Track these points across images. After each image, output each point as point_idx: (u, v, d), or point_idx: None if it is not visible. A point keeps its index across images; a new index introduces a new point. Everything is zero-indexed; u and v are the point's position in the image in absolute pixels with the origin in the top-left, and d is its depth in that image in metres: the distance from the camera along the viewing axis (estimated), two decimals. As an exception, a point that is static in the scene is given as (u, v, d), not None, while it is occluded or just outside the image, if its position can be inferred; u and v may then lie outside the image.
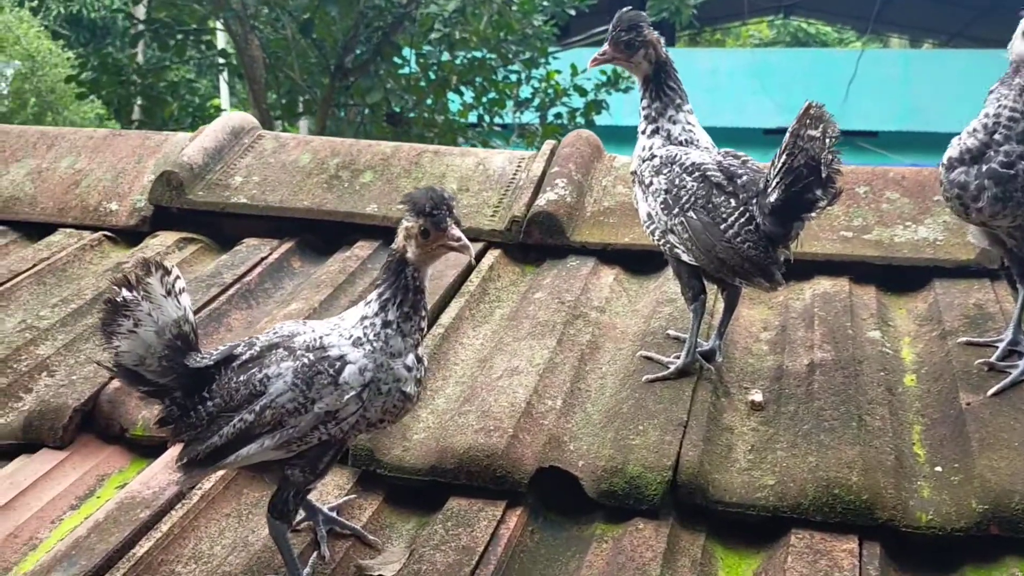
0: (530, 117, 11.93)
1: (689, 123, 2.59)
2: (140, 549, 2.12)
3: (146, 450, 2.56)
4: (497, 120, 11.85)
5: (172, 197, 3.55)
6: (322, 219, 3.46)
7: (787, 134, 2.30)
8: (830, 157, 2.25)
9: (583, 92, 11.62)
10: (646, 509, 2.18)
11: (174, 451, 2.50)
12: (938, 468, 2.18)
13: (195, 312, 2.93)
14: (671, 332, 2.75)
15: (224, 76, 13.43)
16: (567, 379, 2.59)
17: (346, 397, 1.95)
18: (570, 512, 2.29)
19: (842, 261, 2.99)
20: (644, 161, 2.58)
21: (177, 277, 1.97)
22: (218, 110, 12.71)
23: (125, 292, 1.92)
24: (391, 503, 2.35)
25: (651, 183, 2.55)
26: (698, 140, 2.58)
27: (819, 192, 2.29)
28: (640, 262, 3.20)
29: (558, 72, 11.82)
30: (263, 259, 3.31)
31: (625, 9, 2.59)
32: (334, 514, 2.20)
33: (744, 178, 2.45)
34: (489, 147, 11.08)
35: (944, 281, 2.88)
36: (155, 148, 3.85)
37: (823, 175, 2.27)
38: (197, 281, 3.16)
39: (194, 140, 3.75)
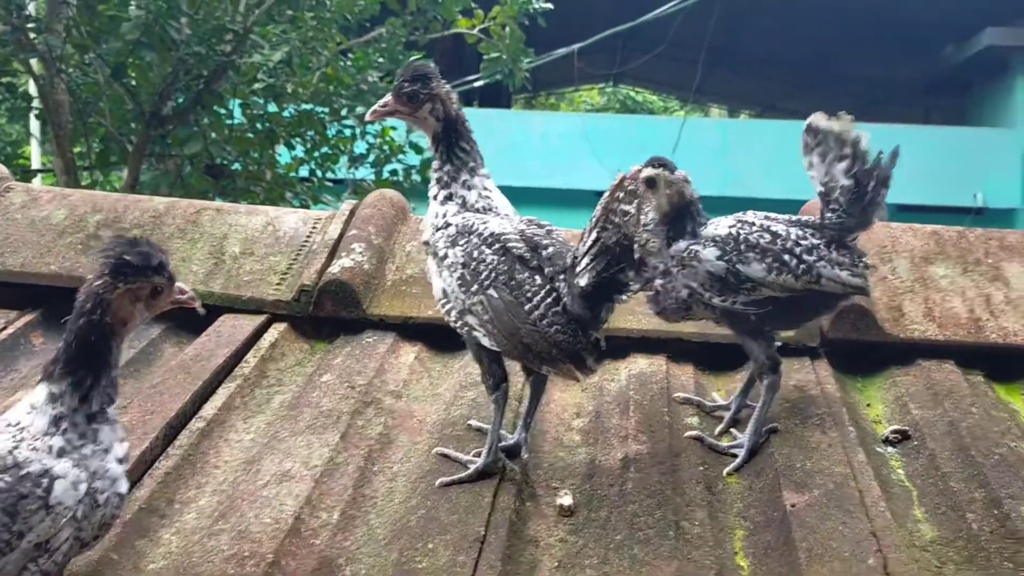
0: (365, 173, 11.56)
1: (486, 188, 2.29)
2: None
3: None
4: (330, 175, 11.42)
5: None
6: (74, 287, 2.91)
7: (598, 207, 2.03)
8: (644, 237, 1.98)
9: (419, 149, 11.35)
10: (430, 651, 1.80)
11: None
12: (763, 584, 1.92)
13: None
14: (473, 423, 2.41)
15: (32, 119, 12.37)
16: (349, 484, 2.19)
17: (62, 521, 1.57)
18: (341, 656, 1.88)
19: (659, 338, 2.76)
20: (438, 230, 2.25)
21: None
22: (28, 159, 11.66)
23: None
24: (112, 656, 1.86)
25: (446, 255, 2.21)
26: (496, 207, 2.28)
27: (631, 274, 2.03)
28: (445, 338, 2.83)
29: (393, 128, 11.53)
30: (-7, 335, 2.75)
31: (415, 58, 2.28)
32: None
33: (550, 250, 2.16)
34: (320, 203, 10.63)
35: (766, 360, 2.67)
36: None
37: (636, 256, 2.00)
38: (-100, 365, 2.56)
39: (-78, 191, 3.14)
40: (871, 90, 18.14)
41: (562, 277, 2.12)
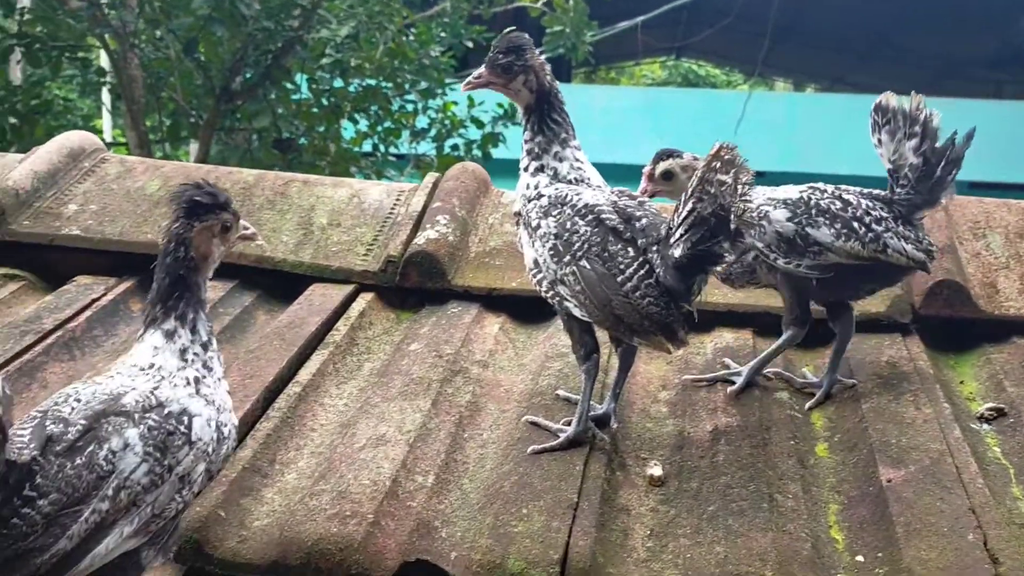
0: (426, 148, 11.63)
1: (578, 159, 2.30)
2: None
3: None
4: (392, 150, 11.52)
5: (-8, 227, 3.05)
6: (169, 256, 3.01)
7: (693, 178, 2.02)
8: (741, 207, 1.97)
9: (480, 124, 11.40)
10: (529, 612, 1.84)
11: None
12: (859, 558, 1.91)
13: (2, 366, 2.48)
14: (561, 392, 2.43)
15: (104, 96, 12.68)
16: (442, 449, 2.23)
17: (200, 455, 1.73)
18: (439, 614, 1.93)
19: (745, 312, 2.74)
20: (530, 201, 2.27)
21: None
22: (100, 132, 11.97)
23: None
24: (223, 607, 1.93)
25: (539, 226, 2.23)
26: (589, 179, 2.29)
27: (726, 245, 2.02)
28: (529, 309, 2.87)
29: (455, 103, 11.57)
30: (94, 301, 2.84)
31: (509, 29, 2.29)
32: None
33: (643, 221, 2.17)
34: (384, 177, 10.74)
35: (856, 335, 2.65)
36: (-22, 170, 3.33)
37: (732, 227, 1.99)
38: (10, 327, 2.67)
39: (24, 162, 3.25)
40: (940, 64, 17.61)
41: (655, 249, 2.12)
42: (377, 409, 2.37)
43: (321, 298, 2.85)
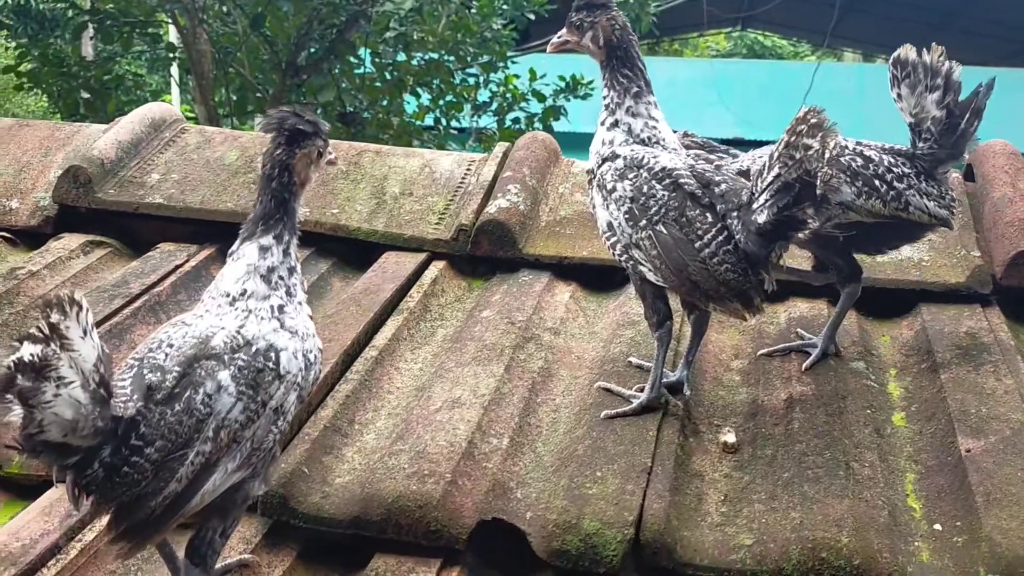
0: (487, 121, 11.64)
1: (653, 117, 2.29)
2: (0, 617, 1.76)
3: (23, 491, 2.19)
4: (454, 124, 11.55)
5: (79, 195, 3.17)
6: (247, 224, 3.09)
7: (779, 142, 2.00)
8: (828, 173, 1.95)
9: (541, 98, 11.36)
10: (604, 573, 1.87)
11: (54, 493, 2.13)
12: (937, 526, 1.90)
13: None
14: (633, 359, 2.45)
15: (173, 71, 12.95)
16: (515, 413, 2.27)
17: (290, 386, 1.78)
18: (515, 573, 1.97)
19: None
20: (604, 161, 2.27)
21: (87, 309, 1.57)
22: (167, 106, 12.18)
23: (38, 348, 1.48)
24: (306, 560, 2.00)
25: (614, 189, 2.23)
26: (664, 139, 2.28)
27: (811, 212, 2.00)
28: (599, 278, 2.89)
29: (516, 77, 11.55)
30: (178, 267, 2.94)
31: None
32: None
33: (722, 187, 2.16)
34: (444, 150, 10.77)
35: (932, 306, 2.61)
36: (65, 140, 3.46)
37: (818, 193, 1.97)
38: (99, 291, 2.78)
39: (108, 132, 3.36)
40: (1015, 34, 16.95)
41: (735, 214, 2.11)
42: (451, 373, 2.42)
43: (395, 265, 2.91)
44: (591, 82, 11.28)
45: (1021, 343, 2.49)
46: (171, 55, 11.44)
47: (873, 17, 18.57)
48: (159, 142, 3.40)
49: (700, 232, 2.12)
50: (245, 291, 1.84)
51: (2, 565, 1.91)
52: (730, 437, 2.19)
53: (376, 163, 3.29)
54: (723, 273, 2.10)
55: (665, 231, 2.15)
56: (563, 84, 11.39)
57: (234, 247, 1.92)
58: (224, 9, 10.66)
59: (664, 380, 2.28)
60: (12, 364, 1.48)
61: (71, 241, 3.09)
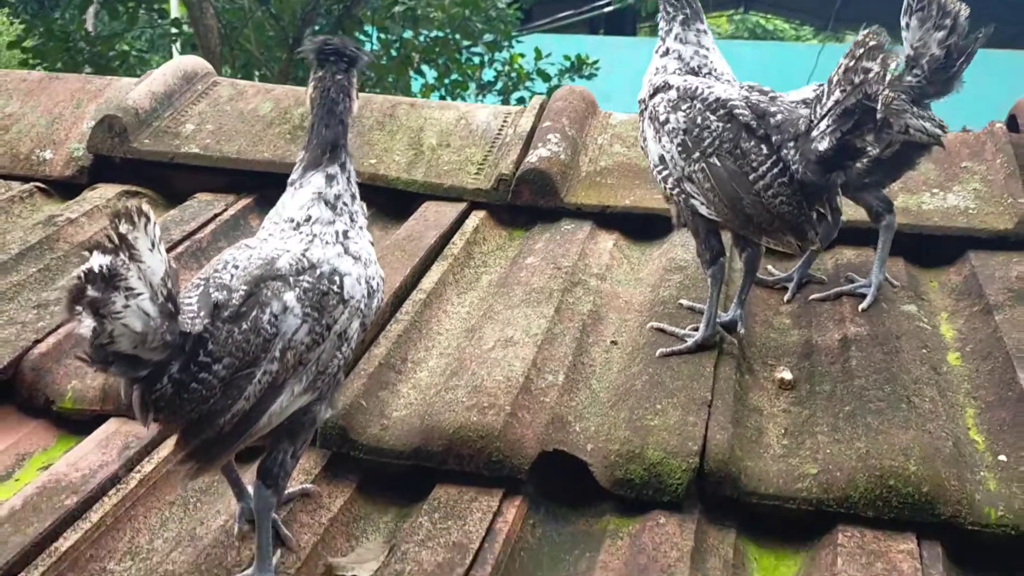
0: (493, 101, 11.60)
1: (703, 45, 2.29)
2: (65, 542, 1.76)
3: (76, 426, 2.18)
4: (460, 102, 11.52)
5: (114, 145, 3.15)
6: (285, 173, 3.05)
7: (838, 68, 1.99)
8: (890, 96, 1.94)
9: (547, 77, 11.32)
10: (668, 501, 1.87)
11: (110, 426, 2.13)
12: (1002, 457, 1.90)
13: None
14: (684, 302, 2.44)
15: (177, 47, 12.88)
16: (568, 352, 2.26)
17: (355, 312, 1.78)
18: (576, 503, 1.97)
19: (867, 229, 2.70)
20: (657, 91, 2.26)
21: (155, 221, 1.55)
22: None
23: (108, 258, 1.46)
24: (366, 491, 2.00)
25: (667, 120, 2.22)
26: (715, 68, 2.28)
27: (871, 138, 1.98)
28: (642, 227, 2.88)
29: (522, 56, 11.50)
30: (217, 216, 2.93)
31: None
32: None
33: (778, 118, 2.14)
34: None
35: (980, 252, 2.61)
36: (97, 92, 3.43)
37: (879, 117, 1.96)
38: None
39: (140, 84, 3.34)
40: (1021, 16, 16.91)
41: (792, 145, 2.10)
42: (501, 316, 2.41)
43: (435, 214, 2.89)
44: (596, 62, 11.26)
45: (1072, 287, 2.49)
46: (177, 31, 11.39)
47: (876, 1, 18.54)
48: (192, 94, 3.38)
49: (755, 164, 2.11)
50: (310, 217, 1.82)
51: (64, 493, 1.90)
52: (786, 375, 2.18)
53: (411, 115, 3.27)
54: (778, 206, 2.09)
55: (719, 163, 2.14)
56: (568, 64, 11.36)
57: (295, 176, 1.90)
58: (231, -16, 10.60)
59: (718, 320, 2.28)
60: (82, 274, 1.46)
61: (107, 191, 3.07)
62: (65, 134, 3.28)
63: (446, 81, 11.33)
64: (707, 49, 2.29)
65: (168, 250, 2.68)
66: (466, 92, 11.42)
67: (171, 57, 14.67)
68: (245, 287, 1.67)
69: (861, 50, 1.95)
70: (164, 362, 1.56)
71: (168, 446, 2.04)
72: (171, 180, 3.17)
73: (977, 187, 2.76)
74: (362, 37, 10.71)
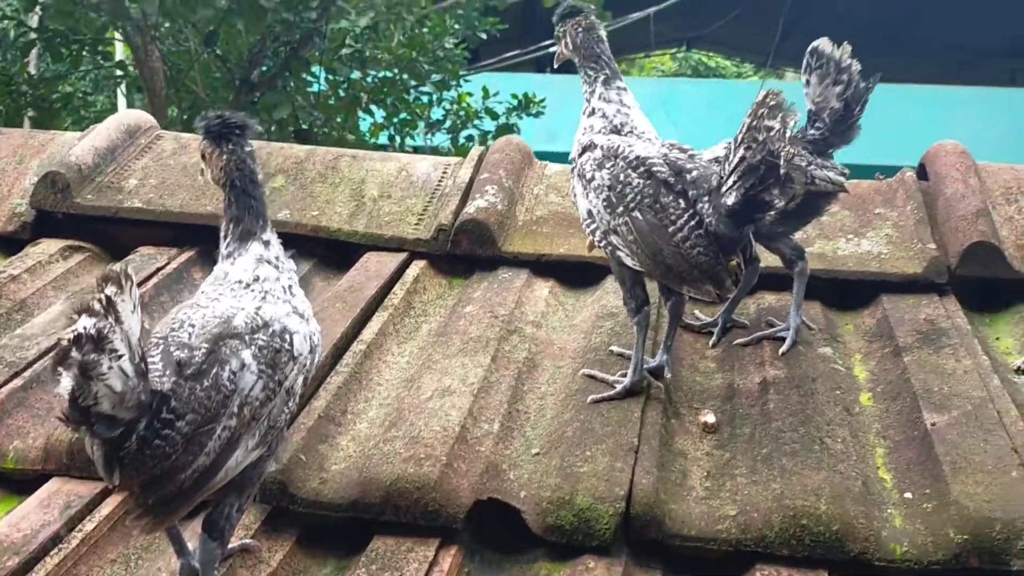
0: (441, 139, 11.74)
1: (624, 103, 2.45)
2: (5, 604, 1.78)
3: (17, 486, 2.21)
4: (408, 141, 11.62)
5: (57, 201, 3.18)
6: (228, 227, 3.13)
7: (742, 127, 2.13)
8: (791, 152, 2.08)
9: (495, 115, 11.49)
10: (596, 545, 1.96)
11: (52, 486, 2.16)
12: (908, 495, 2.03)
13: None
14: (614, 348, 2.55)
15: (122, 89, 12.81)
16: (504, 400, 2.35)
17: (301, 366, 1.87)
18: (510, 550, 2.05)
19: (786, 275, 2.84)
20: (584, 150, 2.40)
21: (135, 283, 1.62)
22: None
23: (96, 322, 1.52)
24: (305, 545, 2.06)
25: (592, 178, 2.35)
26: (636, 127, 2.42)
27: (776, 192, 2.12)
28: (576, 274, 2.99)
29: (470, 95, 11.67)
30: (159, 269, 2.97)
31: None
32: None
33: (694, 173, 2.28)
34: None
35: (892, 296, 2.76)
36: (39, 148, 3.46)
37: (782, 173, 2.09)
38: (81, 294, 2.80)
39: (83, 139, 3.38)
40: (955, 53, 17.61)
41: (706, 199, 2.23)
42: (439, 365, 2.49)
43: (377, 265, 2.97)
44: (543, 100, 11.45)
45: (976, 329, 2.65)
46: (121, 73, 11.34)
47: (814, 38, 19.14)
48: (135, 148, 3.42)
49: (673, 218, 2.23)
50: (259, 276, 1.92)
51: (5, 555, 1.93)
52: (710, 418, 2.29)
53: (353, 167, 3.36)
54: (695, 256, 2.21)
55: (641, 217, 2.26)
56: (516, 102, 11.54)
57: (231, 248, 1.97)
58: (176, 27, 10.61)
59: (645, 365, 2.38)
60: (71, 337, 1.52)
61: (50, 246, 3.10)
62: (8, 189, 3.31)
63: (395, 120, 11.43)
64: (628, 107, 2.44)
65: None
66: (415, 131, 11.53)
67: (116, 98, 14.59)
68: (206, 345, 1.74)
69: (763, 109, 2.09)
70: (135, 420, 1.62)
71: (110, 504, 2.08)
72: (114, 234, 3.21)
73: (889, 232, 2.93)
74: (310, 78, 10.80)
